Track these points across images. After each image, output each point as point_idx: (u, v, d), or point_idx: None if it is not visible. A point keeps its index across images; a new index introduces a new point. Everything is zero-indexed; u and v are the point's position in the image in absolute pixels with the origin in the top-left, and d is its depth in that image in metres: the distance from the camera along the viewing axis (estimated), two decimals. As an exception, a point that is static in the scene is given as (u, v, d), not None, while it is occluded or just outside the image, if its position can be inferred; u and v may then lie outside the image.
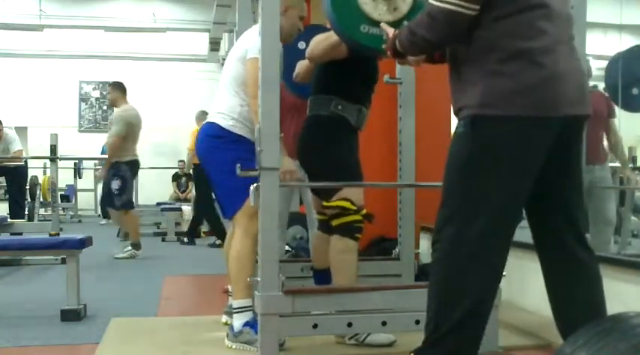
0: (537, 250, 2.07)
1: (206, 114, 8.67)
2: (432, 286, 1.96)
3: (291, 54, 3.15)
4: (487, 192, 1.87)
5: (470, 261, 1.88)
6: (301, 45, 3.30)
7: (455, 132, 1.96)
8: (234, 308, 2.85)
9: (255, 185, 2.49)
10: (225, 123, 2.91)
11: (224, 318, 3.27)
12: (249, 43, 2.83)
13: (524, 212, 2.06)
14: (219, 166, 2.90)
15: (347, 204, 2.87)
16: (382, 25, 2.28)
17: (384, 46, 2.20)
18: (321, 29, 3.22)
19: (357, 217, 2.89)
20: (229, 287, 3.28)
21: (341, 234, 2.88)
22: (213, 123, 2.95)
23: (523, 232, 2.16)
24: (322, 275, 3.11)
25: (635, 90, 3.61)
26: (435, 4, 1.87)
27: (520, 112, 1.82)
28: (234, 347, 2.80)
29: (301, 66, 3.08)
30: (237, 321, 2.82)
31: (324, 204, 2.93)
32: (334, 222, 2.90)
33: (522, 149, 1.86)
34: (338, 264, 2.89)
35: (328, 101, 2.93)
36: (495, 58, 1.84)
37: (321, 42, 2.86)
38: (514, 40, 1.83)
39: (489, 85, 1.84)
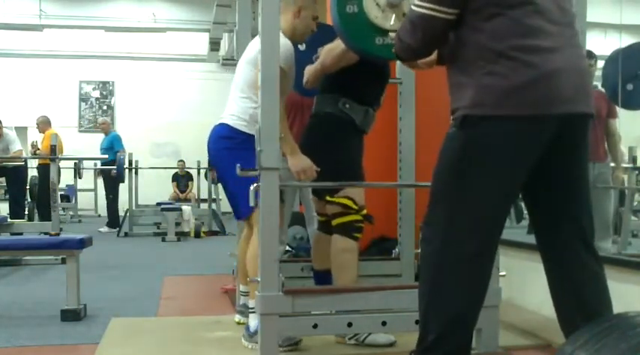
0: (541, 253, 2.04)
1: (48, 120, 9.12)
2: (420, 286, 1.96)
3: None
4: (473, 192, 1.86)
5: (455, 263, 1.87)
6: (301, 46, 3.29)
7: (446, 133, 1.95)
8: (251, 308, 2.85)
9: (254, 185, 2.49)
10: (234, 122, 2.92)
11: (237, 317, 3.25)
12: None
13: (527, 215, 2.05)
14: (230, 167, 2.84)
15: (349, 203, 2.88)
16: (392, 34, 2.29)
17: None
18: (325, 29, 3.22)
19: (357, 217, 2.89)
20: (242, 287, 3.25)
21: (341, 233, 2.89)
22: (224, 124, 2.96)
23: (522, 232, 2.16)
24: (322, 276, 3.11)
25: (629, 86, 3.61)
26: (413, 10, 1.91)
27: (510, 112, 1.81)
28: (250, 346, 2.80)
29: (310, 72, 3.06)
30: (253, 321, 2.80)
31: (327, 198, 2.92)
32: (334, 222, 2.91)
33: (511, 148, 1.84)
34: (339, 263, 2.90)
35: (335, 100, 2.93)
36: (486, 59, 1.82)
37: (332, 51, 2.88)
38: (503, 40, 1.81)
39: (480, 85, 1.83)
